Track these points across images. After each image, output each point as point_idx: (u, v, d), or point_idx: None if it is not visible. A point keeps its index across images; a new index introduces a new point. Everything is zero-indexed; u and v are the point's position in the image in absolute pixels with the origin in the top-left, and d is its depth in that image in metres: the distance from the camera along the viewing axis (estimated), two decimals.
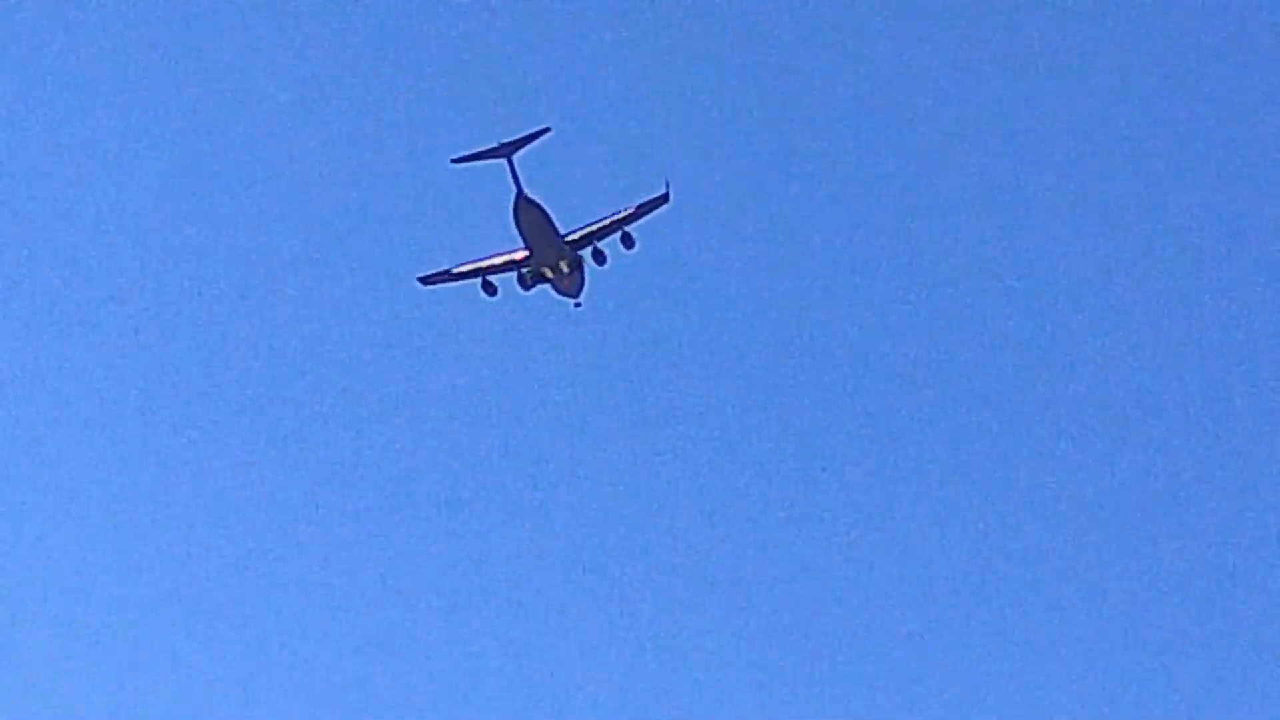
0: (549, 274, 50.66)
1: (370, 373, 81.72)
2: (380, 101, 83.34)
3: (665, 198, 47.79)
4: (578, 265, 49.96)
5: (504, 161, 46.36)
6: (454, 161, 46.14)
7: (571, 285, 51.10)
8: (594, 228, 50.68)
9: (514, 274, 51.02)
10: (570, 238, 49.70)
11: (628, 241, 48.53)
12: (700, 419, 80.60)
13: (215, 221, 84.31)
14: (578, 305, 51.58)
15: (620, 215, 49.15)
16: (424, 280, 48.67)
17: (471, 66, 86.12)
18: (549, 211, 49.46)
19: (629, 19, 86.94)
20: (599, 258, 50.00)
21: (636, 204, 47.88)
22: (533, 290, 51.31)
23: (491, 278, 50.37)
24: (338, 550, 79.66)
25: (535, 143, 46.64)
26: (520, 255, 50.36)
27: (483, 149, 46.89)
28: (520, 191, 47.11)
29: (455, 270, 49.65)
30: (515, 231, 48.73)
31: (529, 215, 48.29)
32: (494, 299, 51.21)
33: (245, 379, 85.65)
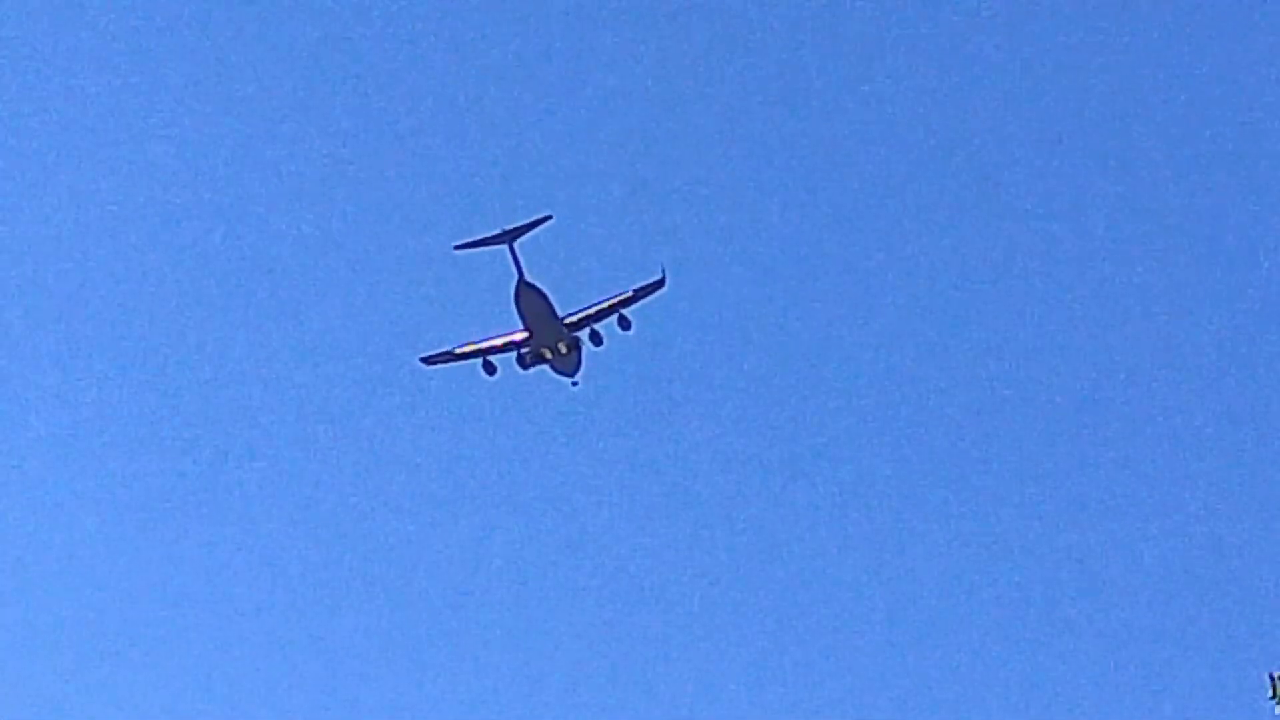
0: (548, 354, 52.54)
1: (374, 449, 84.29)
2: (387, 187, 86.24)
3: (661, 283, 50.13)
4: (575, 346, 51.90)
5: (506, 247, 48.44)
6: (457, 248, 48.29)
7: (569, 365, 52.98)
8: (592, 311, 52.66)
9: (514, 354, 53.10)
10: (569, 320, 51.62)
11: (624, 324, 50.57)
12: (691, 492, 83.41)
13: (225, 302, 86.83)
14: (575, 384, 53.50)
15: (617, 299, 51.23)
16: (426, 360, 50.51)
17: (477, 154, 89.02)
18: (549, 295, 51.53)
19: (629, 111, 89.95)
20: (596, 339, 52.02)
21: (633, 288, 50.18)
22: (531, 370, 53.40)
23: (492, 358, 52.34)
24: (337, 634, 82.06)
25: (536, 230, 48.92)
26: (520, 336, 52.51)
27: (485, 235, 48.95)
28: (521, 276, 49.08)
29: (457, 350, 51.53)
30: (516, 314, 50.77)
31: (530, 299, 50.33)
32: (493, 378, 53.36)
33: (251, 456, 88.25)
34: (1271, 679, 16.10)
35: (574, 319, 52.71)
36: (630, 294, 52.30)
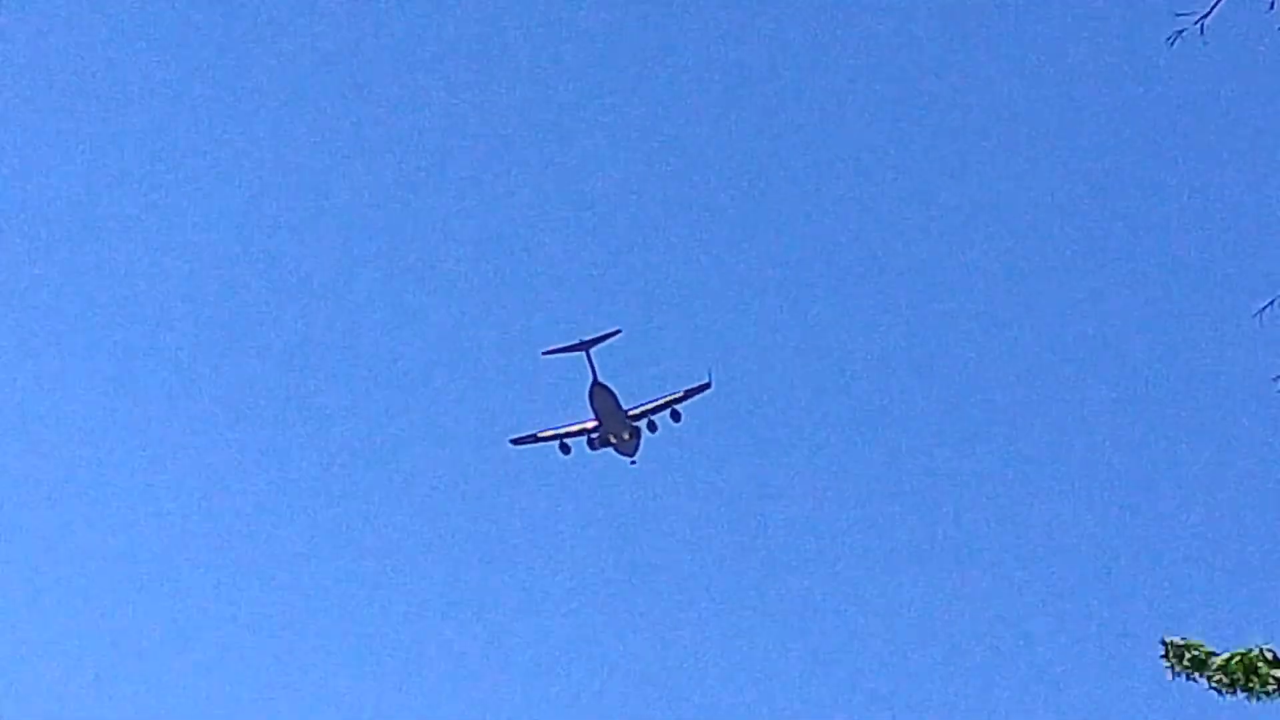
0: (613, 440, 61.58)
1: (472, 517, 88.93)
2: (482, 300, 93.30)
3: (708, 385, 60.25)
4: (636, 434, 60.87)
5: (583, 355, 59.58)
6: (544, 354, 58.60)
7: (629, 448, 61.32)
8: (650, 406, 60.84)
9: (585, 439, 62.55)
10: (631, 412, 60.13)
11: (676, 417, 59.10)
12: (725, 557, 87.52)
13: (336, 397, 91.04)
14: (633, 463, 62.64)
15: (671, 397, 61.24)
16: (515, 441, 59.48)
17: (560, 273, 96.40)
18: (616, 393, 61.01)
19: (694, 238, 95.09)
20: (652, 427, 60.71)
21: (685, 389, 62.53)
22: (599, 451, 62.83)
23: (568, 441, 61.48)
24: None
25: (608, 341, 59.11)
26: (591, 425, 61.29)
27: (567, 344, 59.36)
28: (595, 378, 59.02)
29: (540, 435, 60.50)
30: (590, 407, 60.46)
31: (601, 396, 59.58)
32: (568, 457, 63.20)
33: (357, 529, 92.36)
34: (1164, 644, 15.84)
35: (635, 412, 59.67)
36: (682, 394, 61.23)
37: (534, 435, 60.66)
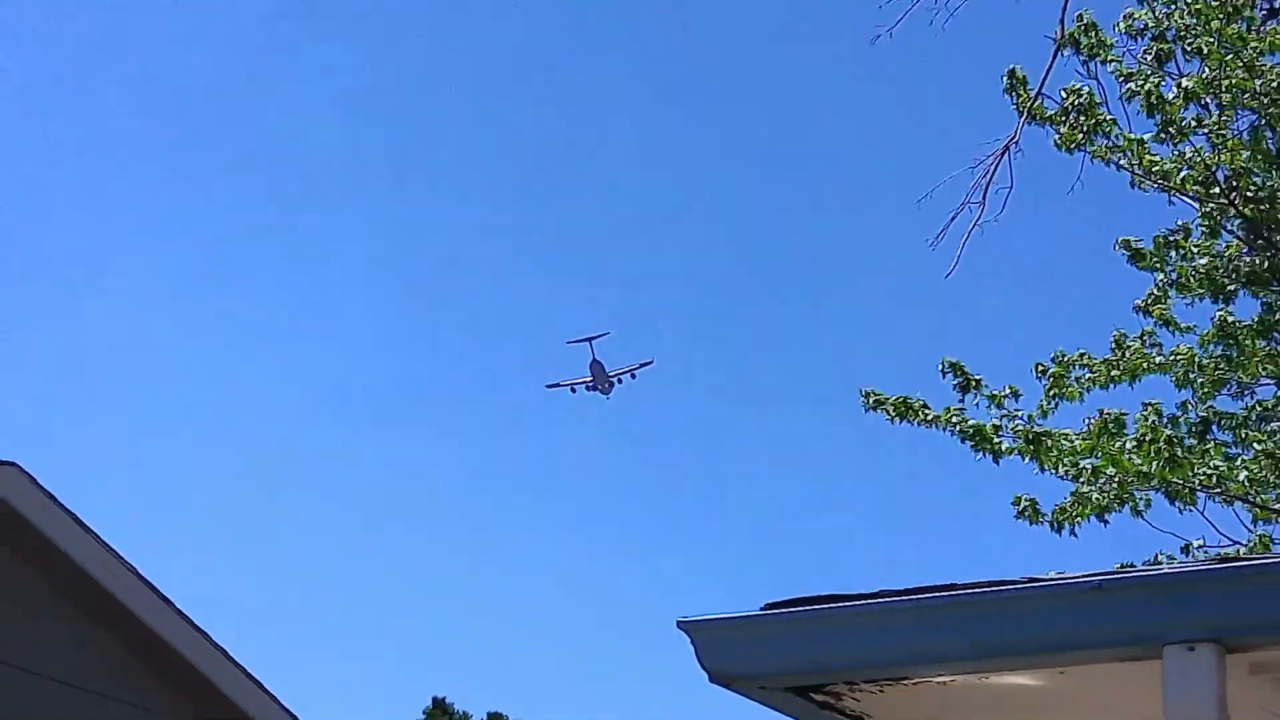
0: (600, 388, 75.31)
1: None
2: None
3: (650, 361, 75.72)
4: (611, 386, 74.66)
5: (588, 344, 74.68)
6: (569, 343, 74.45)
7: (607, 393, 75.23)
8: (620, 371, 75.51)
9: (584, 387, 75.43)
10: (610, 374, 74.40)
11: (633, 376, 75.54)
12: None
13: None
14: (608, 398, 75.14)
15: (631, 367, 76.14)
16: (548, 386, 75.91)
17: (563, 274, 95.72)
18: (603, 363, 74.58)
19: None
20: (619, 382, 75.41)
21: (640, 362, 76.86)
22: (591, 394, 76.09)
23: (575, 387, 75.22)
24: None
25: (602, 338, 74.56)
26: (589, 380, 75.41)
27: (580, 338, 75.19)
28: (593, 355, 74.64)
29: (561, 383, 75.88)
30: (589, 371, 74.68)
31: (596, 366, 73.49)
32: (574, 395, 75.95)
33: None
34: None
35: (612, 374, 75.40)
36: (638, 365, 76.06)
37: (558, 383, 77.86)
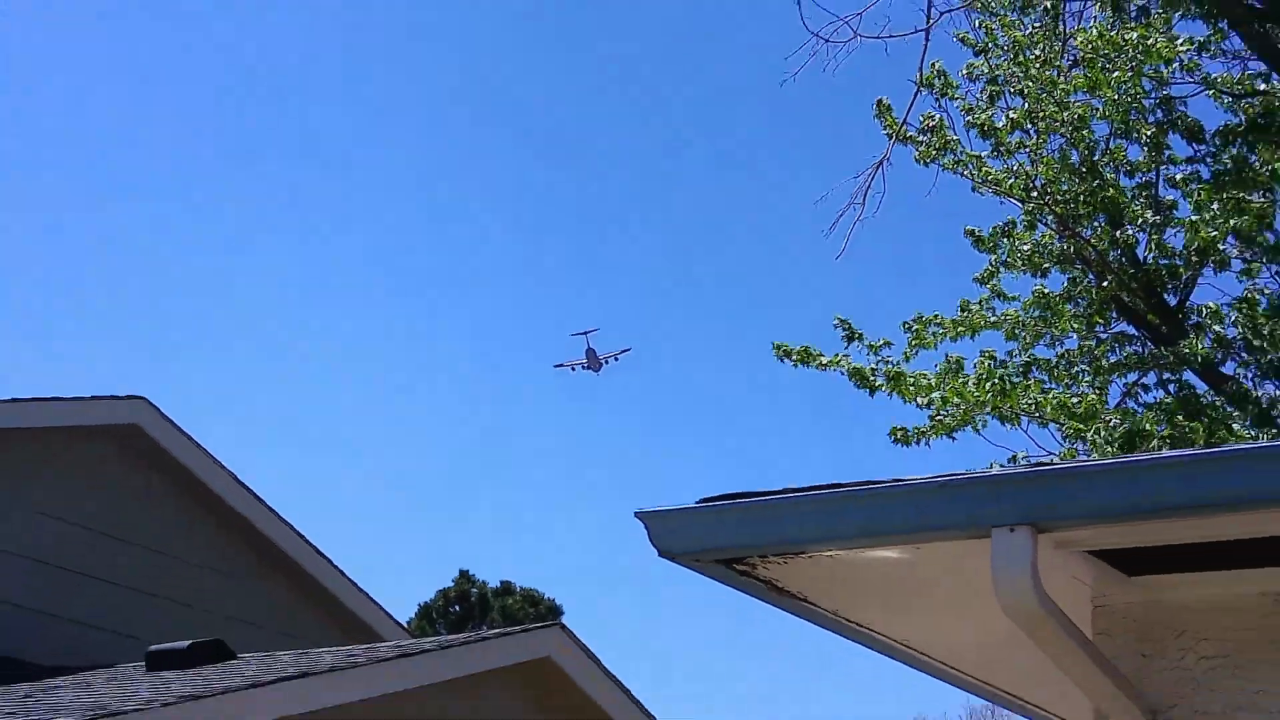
0: (592, 368, 69.75)
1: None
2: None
3: (629, 349, 70.59)
4: (600, 365, 70.49)
5: (585, 337, 69.04)
6: (571, 335, 69.13)
7: (598, 370, 69.94)
8: (608, 355, 69.73)
9: (581, 366, 69.61)
10: (600, 356, 69.90)
11: (617, 359, 69.17)
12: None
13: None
14: (598, 374, 69.86)
15: (615, 353, 70.28)
16: (556, 366, 70.27)
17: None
18: (595, 349, 69.67)
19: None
20: (607, 362, 69.89)
21: (622, 349, 70.43)
22: (587, 371, 70.39)
23: (576, 366, 70.33)
24: None
25: (593, 332, 69.43)
26: (584, 361, 70.17)
27: (581, 330, 69.79)
28: (588, 344, 68.78)
29: (565, 363, 70.02)
30: (584, 354, 69.38)
31: (590, 351, 69.45)
32: (574, 373, 70.28)
33: None
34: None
35: (602, 356, 69.70)
36: (621, 351, 70.13)
37: (563, 364, 71.59)
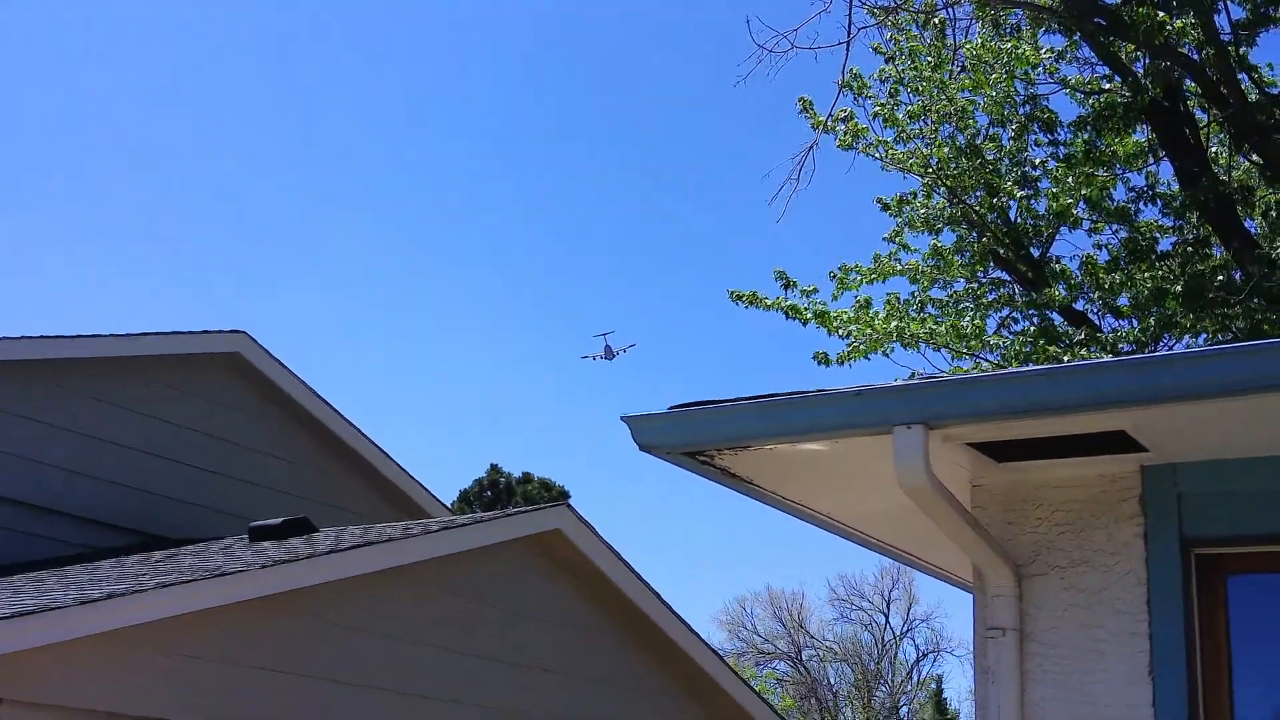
0: (609, 358, 61.72)
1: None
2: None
3: (635, 344, 60.35)
4: (613, 355, 61.00)
5: (603, 336, 59.94)
6: (595, 335, 60.41)
7: (611, 359, 62.77)
8: (619, 349, 62.05)
9: (601, 358, 61.85)
10: (614, 350, 62.53)
11: (626, 351, 60.49)
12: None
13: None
14: (610, 361, 63.66)
15: (625, 346, 60.58)
16: (582, 357, 61.12)
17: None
18: (611, 344, 59.86)
19: None
20: (620, 354, 62.40)
21: (630, 343, 60.72)
22: (606, 361, 62.57)
23: (597, 358, 60.39)
24: None
25: (610, 334, 61.41)
26: (603, 354, 60.69)
27: (602, 332, 60.78)
28: (606, 343, 58.22)
29: (589, 356, 59.59)
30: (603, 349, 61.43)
31: (606, 347, 60.82)
32: (594, 363, 60.90)
33: None
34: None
35: (615, 350, 61.13)
36: (630, 345, 61.41)
37: (587, 355, 60.24)
